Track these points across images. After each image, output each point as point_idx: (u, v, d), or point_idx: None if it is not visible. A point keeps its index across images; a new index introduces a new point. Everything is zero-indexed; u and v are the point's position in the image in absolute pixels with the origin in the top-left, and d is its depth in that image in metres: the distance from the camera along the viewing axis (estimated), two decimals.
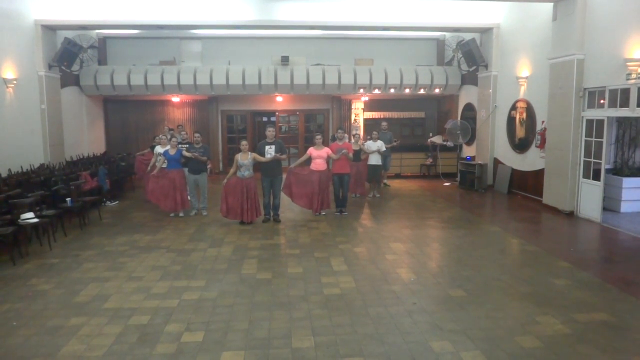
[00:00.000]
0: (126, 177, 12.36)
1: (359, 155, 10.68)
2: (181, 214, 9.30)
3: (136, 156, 12.11)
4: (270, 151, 8.45)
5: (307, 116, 16.35)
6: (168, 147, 9.31)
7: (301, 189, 8.95)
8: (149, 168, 10.02)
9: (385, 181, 12.85)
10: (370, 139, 11.32)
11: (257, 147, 8.80)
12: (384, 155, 11.59)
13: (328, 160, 9.08)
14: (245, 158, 8.38)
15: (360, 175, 10.74)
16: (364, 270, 6.11)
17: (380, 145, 11.00)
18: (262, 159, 8.46)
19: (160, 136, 10.66)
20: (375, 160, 11.03)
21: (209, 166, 9.73)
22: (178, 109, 15.63)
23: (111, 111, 15.35)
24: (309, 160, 9.02)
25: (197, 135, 9.52)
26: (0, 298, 5.27)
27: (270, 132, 8.68)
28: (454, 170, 13.80)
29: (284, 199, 9.18)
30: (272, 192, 8.74)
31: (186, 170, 9.32)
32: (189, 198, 9.45)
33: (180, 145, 9.31)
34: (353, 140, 11.03)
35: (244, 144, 8.57)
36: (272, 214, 8.86)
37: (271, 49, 14.24)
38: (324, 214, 9.25)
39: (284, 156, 8.69)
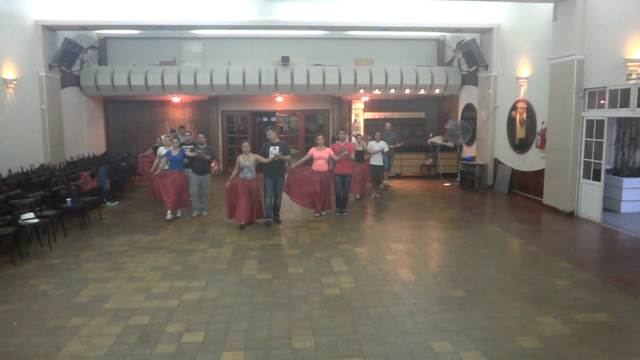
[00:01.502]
0: (126, 177, 12.36)
1: (362, 156, 10.56)
2: (178, 214, 9.21)
3: (138, 158, 12.03)
4: (274, 152, 8.34)
5: (307, 116, 16.35)
6: (170, 148, 9.17)
7: (302, 188, 8.88)
8: (152, 169, 10.00)
9: (386, 182, 12.70)
10: (371, 139, 11.27)
11: (261, 148, 8.68)
12: (388, 155, 11.49)
13: (329, 161, 9.00)
14: (247, 159, 8.28)
15: (363, 175, 10.63)
16: (364, 270, 6.11)
17: (383, 145, 10.91)
18: (263, 160, 8.35)
19: (164, 137, 10.46)
20: (377, 160, 10.95)
21: (213, 165, 9.67)
22: (178, 109, 15.63)
23: (111, 111, 15.35)
24: (310, 160, 8.96)
25: (200, 135, 9.42)
26: (0, 298, 5.28)
27: (270, 134, 8.56)
28: (454, 170, 13.79)
29: (284, 198, 9.16)
30: (274, 192, 8.63)
31: (190, 170, 9.24)
32: (191, 199, 9.33)
33: (184, 146, 9.23)
34: (355, 141, 10.93)
35: (245, 145, 8.42)
36: (272, 214, 8.76)
37: (271, 49, 14.25)
38: (324, 214, 9.22)
39: (287, 156, 8.59)
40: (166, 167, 9.19)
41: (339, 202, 9.41)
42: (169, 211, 9.01)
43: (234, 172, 8.36)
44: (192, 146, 9.34)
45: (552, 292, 5.35)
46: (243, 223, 8.29)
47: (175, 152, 9.04)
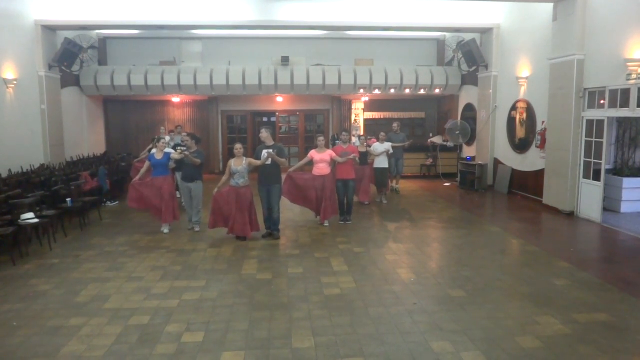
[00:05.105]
0: (126, 177, 12.32)
1: (366, 158, 9.79)
2: (166, 230, 8.08)
3: (133, 163, 10.76)
4: (266, 154, 7.33)
5: (307, 116, 16.36)
6: (154, 150, 8.21)
7: (302, 195, 8.29)
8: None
9: (398, 185, 12.03)
10: (370, 138, 10.97)
11: (255, 152, 7.87)
12: (396, 158, 11.18)
13: (331, 164, 8.36)
14: (238, 164, 7.32)
15: (367, 180, 10.03)
16: (364, 270, 6.11)
17: (387, 146, 10.41)
18: (257, 163, 7.42)
19: (160, 138, 9.96)
20: (382, 163, 10.32)
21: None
22: (178, 109, 15.64)
23: (111, 111, 15.34)
24: (310, 163, 8.39)
25: (186, 138, 8.47)
26: (0, 298, 5.28)
27: (263, 134, 7.58)
28: (454, 170, 13.79)
29: (284, 200, 8.33)
30: (269, 203, 7.60)
31: (178, 176, 8.53)
32: (184, 206, 8.60)
33: (179, 148, 8.12)
34: (357, 142, 10.34)
35: (238, 147, 7.45)
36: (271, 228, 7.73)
37: (271, 49, 14.24)
38: (326, 225, 8.46)
39: (283, 159, 7.55)
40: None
41: (343, 209, 8.71)
42: (164, 224, 8.12)
43: (224, 178, 7.47)
44: (185, 148, 8.11)
45: (552, 292, 5.35)
46: (236, 236, 7.52)
47: (159, 156, 8.01)
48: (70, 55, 12.13)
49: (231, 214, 7.35)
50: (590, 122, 8.83)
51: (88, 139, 14.05)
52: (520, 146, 11.29)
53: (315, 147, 8.65)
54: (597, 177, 8.66)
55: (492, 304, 5.01)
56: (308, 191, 8.27)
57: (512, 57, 11.61)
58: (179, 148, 8.08)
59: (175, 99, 15.25)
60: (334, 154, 8.42)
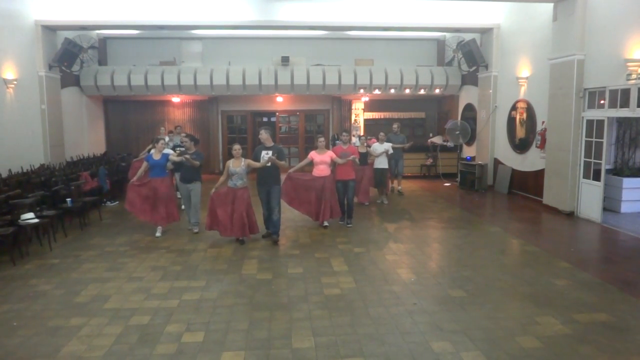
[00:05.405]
0: (126, 177, 12.31)
1: (366, 159, 9.74)
2: (158, 233, 7.87)
3: (132, 162, 10.61)
4: (266, 157, 7.19)
5: (307, 116, 16.37)
6: (153, 151, 8.04)
7: (301, 196, 8.14)
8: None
9: (400, 187, 11.87)
10: (369, 138, 10.95)
11: (254, 153, 7.71)
12: (395, 159, 11.10)
13: (331, 165, 8.26)
14: (237, 165, 7.17)
15: (367, 180, 9.98)
16: (364, 270, 6.11)
17: (387, 147, 10.35)
18: (256, 165, 7.25)
19: (159, 138, 9.71)
20: (382, 163, 10.26)
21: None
22: (178, 109, 15.64)
23: (111, 111, 15.35)
24: (310, 164, 8.28)
25: (185, 139, 8.21)
26: (0, 298, 5.28)
27: (262, 135, 7.47)
28: (454, 170, 13.79)
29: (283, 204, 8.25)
30: (268, 204, 7.51)
31: (178, 177, 8.44)
32: (182, 208, 8.54)
33: (177, 149, 7.95)
34: (357, 142, 10.31)
35: (236, 148, 7.29)
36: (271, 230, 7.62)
37: (271, 49, 14.24)
38: (326, 225, 8.37)
39: (283, 162, 7.37)
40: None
41: (343, 210, 8.55)
42: (159, 227, 7.93)
43: (222, 179, 7.32)
44: (183, 149, 7.89)
45: (552, 292, 5.35)
46: (235, 238, 7.42)
47: (157, 156, 7.84)
48: (70, 55, 12.14)
49: (228, 216, 7.21)
50: (590, 122, 8.83)
51: (88, 139, 14.05)
52: (520, 146, 11.29)
53: (315, 147, 8.56)
54: (597, 177, 8.66)
55: (492, 304, 5.01)
56: (308, 192, 8.16)
57: (512, 57, 11.61)
58: (178, 149, 7.96)
59: (175, 99, 15.25)
60: (334, 155, 8.29)
